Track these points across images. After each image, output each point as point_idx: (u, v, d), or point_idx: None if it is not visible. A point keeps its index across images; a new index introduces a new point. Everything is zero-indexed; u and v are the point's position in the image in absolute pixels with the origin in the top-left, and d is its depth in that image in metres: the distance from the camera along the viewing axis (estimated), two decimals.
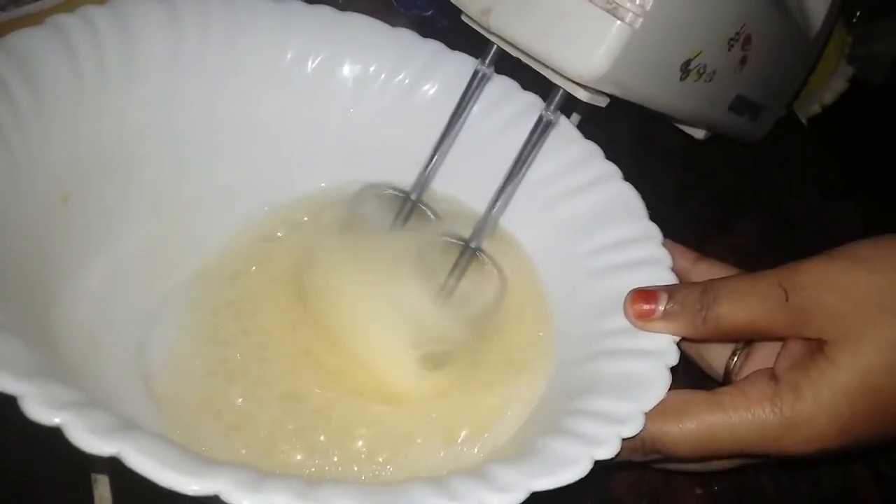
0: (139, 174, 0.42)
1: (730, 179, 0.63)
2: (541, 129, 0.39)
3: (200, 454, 0.28)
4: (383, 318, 0.40)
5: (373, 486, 0.29)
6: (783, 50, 0.49)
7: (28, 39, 0.38)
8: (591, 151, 0.44)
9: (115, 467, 0.26)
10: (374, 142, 0.47)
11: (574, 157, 0.44)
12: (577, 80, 0.35)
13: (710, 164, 0.63)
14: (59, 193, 0.38)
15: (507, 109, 0.46)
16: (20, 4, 0.50)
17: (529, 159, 0.39)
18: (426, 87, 0.47)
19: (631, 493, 0.45)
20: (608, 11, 0.33)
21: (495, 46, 0.40)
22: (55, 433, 0.26)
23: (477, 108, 0.46)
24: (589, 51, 0.34)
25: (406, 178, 0.46)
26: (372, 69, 0.47)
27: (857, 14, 0.79)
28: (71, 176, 0.39)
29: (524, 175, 0.40)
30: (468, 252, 0.41)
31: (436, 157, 0.43)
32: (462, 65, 0.46)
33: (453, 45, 0.45)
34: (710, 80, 0.41)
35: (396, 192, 0.44)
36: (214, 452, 0.36)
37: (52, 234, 0.38)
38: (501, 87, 0.46)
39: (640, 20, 0.33)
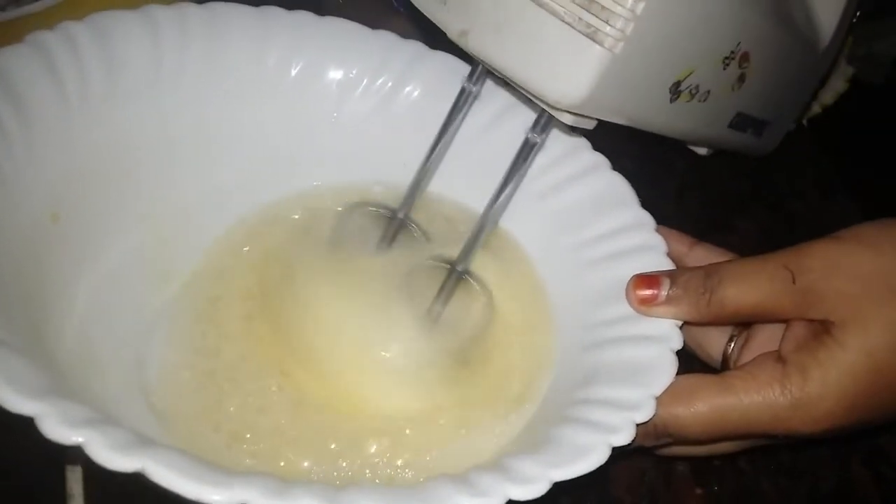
0: (127, 188, 0.42)
1: (730, 179, 0.63)
2: (526, 152, 0.38)
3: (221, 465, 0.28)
4: (368, 345, 0.40)
5: (395, 487, 0.29)
6: (787, 64, 0.48)
7: (10, 59, 0.37)
8: (577, 143, 0.44)
9: (87, 458, 0.26)
10: (359, 145, 0.47)
11: (562, 150, 0.44)
12: (556, 106, 0.34)
13: (710, 164, 0.63)
14: (49, 212, 0.38)
15: (495, 105, 0.46)
16: (20, 4, 0.49)
17: (516, 181, 0.39)
18: (409, 89, 0.47)
19: (631, 493, 0.45)
20: (587, 35, 0.32)
21: (481, 66, 0.39)
22: (29, 420, 0.26)
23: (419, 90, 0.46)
24: (567, 76, 0.33)
25: (392, 179, 0.46)
26: (354, 73, 0.47)
27: (857, 14, 0.80)
28: (59, 194, 0.38)
29: (512, 195, 0.40)
30: (454, 275, 0.40)
31: (424, 174, 0.42)
32: (444, 64, 0.46)
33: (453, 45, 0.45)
34: (705, 100, 0.40)
35: (383, 211, 0.44)
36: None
37: (44, 254, 0.37)
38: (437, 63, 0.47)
39: (621, 44, 0.32)
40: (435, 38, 0.40)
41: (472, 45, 0.35)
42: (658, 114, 0.38)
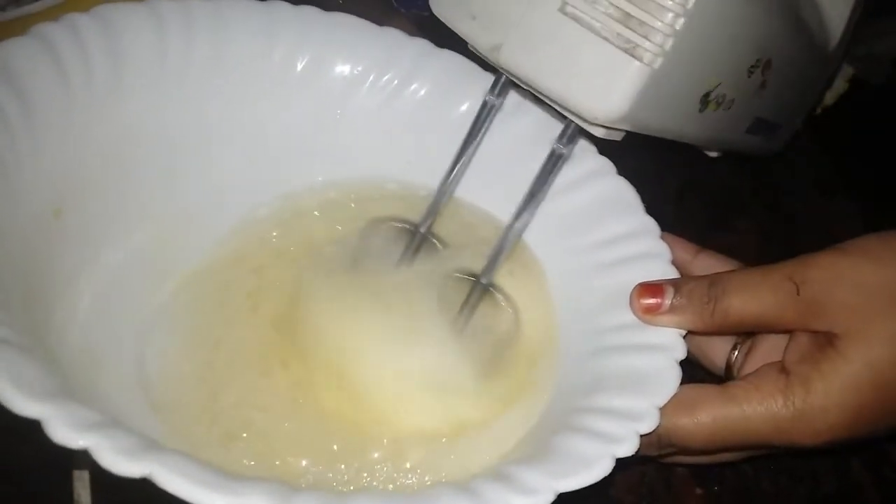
0: (130, 182, 0.42)
1: (730, 179, 0.63)
2: (553, 163, 0.38)
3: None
4: (390, 361, 0.39)
5: (400, 493, 0.29)
6: (803, 68, 0.48)
7: (14, 51, 0.37)
8: (583, 147, 0.44)
9: (94, 463, 0.26)
10: (364, 142, 0.47)
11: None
12: (594, 122, 0.34)
13: (710, 164, 0.63)
14: (52, 208, 0.38)
15: (527, 119, 0.46)
16: (20, 4, 0.49)
17: (541, 193, 0.39)
18: (415, 86, 0.46)
19: (631, 494, 0.45)
20: (626, 51, 0.32)
21: (504, 76, 0.39)
22: (34, 423, 0.26)
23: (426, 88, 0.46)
24: (607, 92, 0.32)
25: (397, 177, 0.46)
26: (360, 69, 0.46)
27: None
28: (63, 189, 0.38)
29: (537, 207, 0.39)
30: (479, 288, 0.40)
31: (447, 187, 0.42)
32: (450, 62, 0.46)
33: (454, 44, 0.45)
34: (730, 108, 0.40)
35: (404, 225, 0.43)
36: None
37: (47, 250, 0.37)
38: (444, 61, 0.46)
39: (660, 60, 0.32)
40: (439, 35, 0.39)
41: (505, 60, 0.35)
42: (687, 124, 0.38)
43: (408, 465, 0.37)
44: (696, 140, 0.42)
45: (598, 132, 0.35)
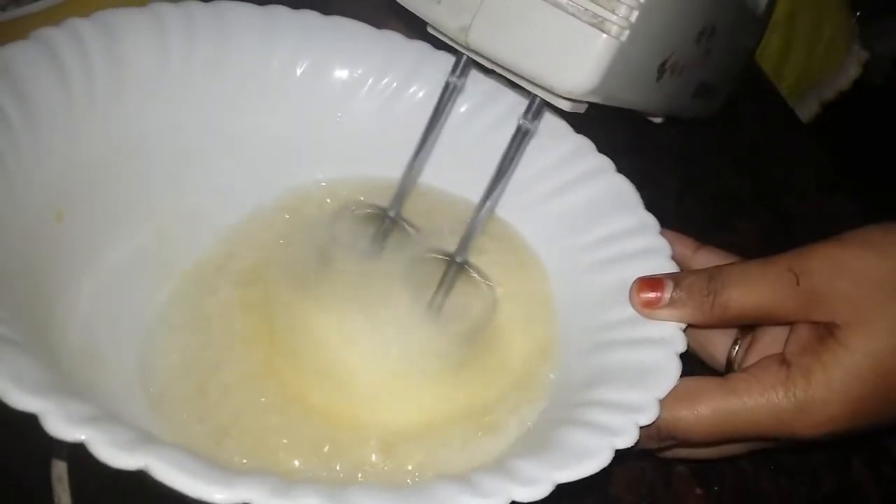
0: (131, 186, 0.42)
1: (729, 179, 0.63)
2: (520, 138, 0.38)
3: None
4: (371, 352, 0.39)
5: (399, 487, 0.29)
6: (738, 32, 0.49)
7: (16, 55, 0.37)
8: (582, 145, 0.44)
9: (74, 452, 0.26)
10: (363, 145, 0.47)
11: (566, 152, 0.44)
12: (567, 96, 0.35)
13: (709, 164, 0.63)
14: (54, 210, 0.38)
15: (497, 108, 0.46)
16: (21, 4, 0.49)
17: (510, 169, 0.39)
18: (414, 89, 0.47)
19: (631, 493, 0.45)
20: (594, 25, 0.32)
21: (465, 57, 0.39)
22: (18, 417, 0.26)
23: (465, 108, 0.46)
24: (578, 67, 0.33)
25: (395, 180, 0.46)
26: (359, 73, 0.47)
27: (857, 14, 0.80)
28: (65, 191, 0.38)
29: (506, 184, 0.40)
30: (454, 266, 0.40)
31: (412, 170, 0.42)
32: (448, 64, 0.46)
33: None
34: (681, 75, 0.41)
35: (374, 211, 0.43)
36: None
37: (48, 251, 0.37)
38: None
39: (627, 32, 0.32)
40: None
41: (473, 41, 0.35)
42: (647, 93, 0.39)
43: (403, 462, 0.37)
44: (652, 109, 0.43)
45: (565, 105, 0.36)
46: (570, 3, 0.33)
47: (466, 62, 0.39)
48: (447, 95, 0.41)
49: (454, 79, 0.40)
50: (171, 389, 0.38)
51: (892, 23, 0.81)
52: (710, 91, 0.50)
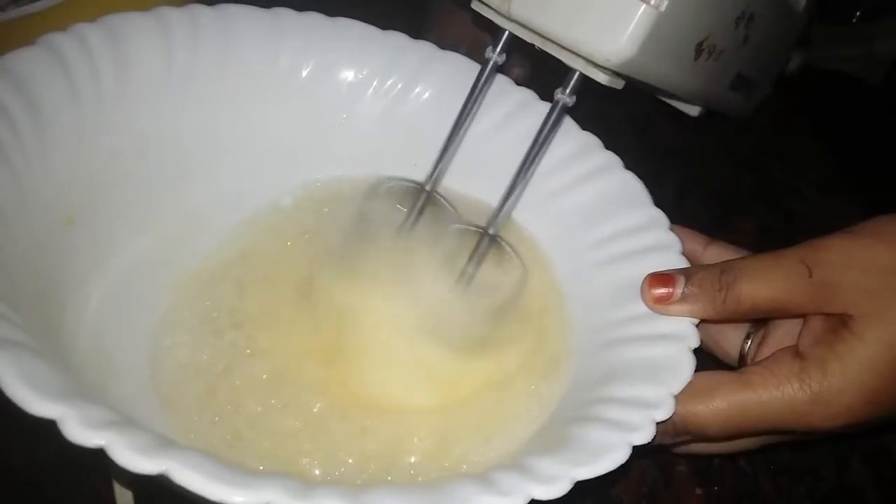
0: (139, 188, 0.42)
1: (730, 178, 0.63)
2: (558, 112, 0.39)
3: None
4: (398, 327, 0.40)
5: (417, 487, 0.29)
6: (777, 24, 0.49)
7: (24, 61, 0.37)
8: (590, 142, 0.44)
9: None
10: (369, 146, 0.47)
11: (574, 149, 0.44)
12: (605, 65, 0.35)
13: (709, 163, 0.63)
14: (64, 216, 0.38)
15: (504, 106, 0.46)
16: (20, 4, 0.49)
17: (546, 144, 0.39)
18: (419, 90, 0.47)
19: (631, 494, 0.45)
20: None
21: (507, 33, 0.40)
22: (53, 427, 0.26)
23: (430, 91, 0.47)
24: (617, 35, 0.34)
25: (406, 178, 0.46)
26: (364, 74, 0.47)
27: (858, 14, 0.80)
28: (74, 197, 0.38)
29: (541, 160, 0.40)
30: (486, 239, 0.41)
31: (450, 147, 0.42)
32: (454, 65, 0.46)
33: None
34: (718, 60, 0.41)
35: (411, 184, 0.43)
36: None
37: (58, 255, 0.37)
38: (496, 85, 0.46)
39: (665, 2, 0.33)
40: (441, 38, 0.40)
41: (516, 10, 0.36)
42: (682, 72, 0.39)
43: (414, 459, 0.37)
44: (688, 92, 0.43)
45: (602, 78, 0.37)
46: None
47: (508, 38, 0.40)
48: (487, 71, 0.41)
49: (494, 55, 0.41)
50: (181, 391, 0.38)
51: (893, 23, 0.81)
52: (748, 85, 0.50)
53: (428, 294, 0.40)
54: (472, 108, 0.42)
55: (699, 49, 0.38)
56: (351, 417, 0.38)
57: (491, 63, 0.41)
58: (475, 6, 0.39)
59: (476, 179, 0.46)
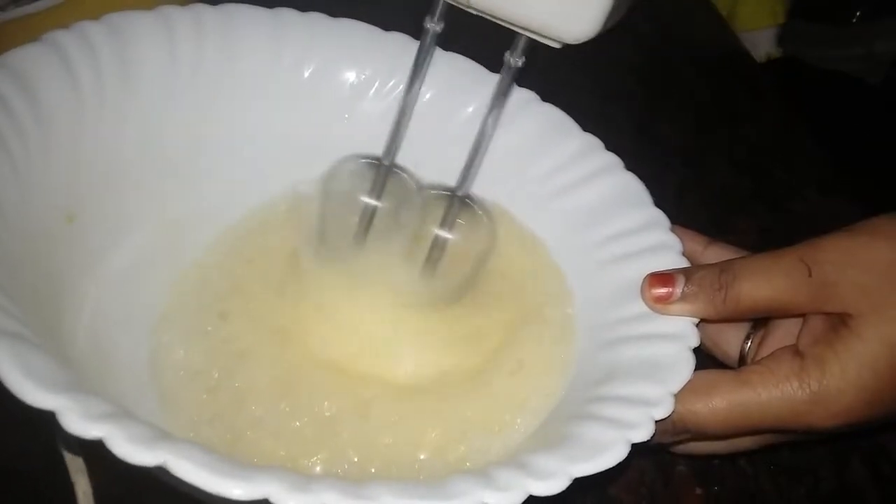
0: (140, 186, 0.42)
1: (729, 179, 0.63)
2: (510, 75, 0.39)
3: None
4: (377, 303, 0.41)
5: (416, 481, 0.29)
6: None
7: (27, 58, 0.37)
8: (591, 143, 0.44)
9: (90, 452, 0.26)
10: (372, 146, 0.47)
11: (575, 150, 0.44)
12: (573, 42, 0.36)
13: (709, 164, 0.63)
14: (65, 212, 0.38)
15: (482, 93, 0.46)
16: (20, 4, 0.49)
17: (502, 105, 0.40)
18: (421, 91, 0.47)
19: (630, 493, 0.45)
20: None
21: (442, 1, 0.38)
22: (40, 416, 0.26)
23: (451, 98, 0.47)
24: (585, 16, 0.34)
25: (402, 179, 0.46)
26: (366, 74, 0.47)
27: (858, 14, 0.81)
28: (76, 193, 0.39)
29: (498, 120, 0.40)
30: (456, 201, 0.41)
31: (402, 119, 0.42)
32: (454, 65, 0.47)
33: (459, 47, 0.45)
34: None
35: (369, 160, 0.43)
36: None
37: (59, 252, 0.38)
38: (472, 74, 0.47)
39: None
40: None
41: (477, 2, 0.36)
42: (614, 22, 0.39)
43: (422, 456, 0.37)
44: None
45: (555, 45, 0.37)
46: None
47: (444, 6, 0.39)
48: (427, 41, 0.40)
49: (433, 24, 0.39)
50: (180, 390, 0.38)
51: (893, 23, 0.82)
52: None
53: (407, 267, 0.41)
54: (417, 83, 0.41)
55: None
56: (356, 413, 0.38)
57: (430, 33, 0.40)
58: None
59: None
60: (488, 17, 0.37)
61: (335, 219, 0.43)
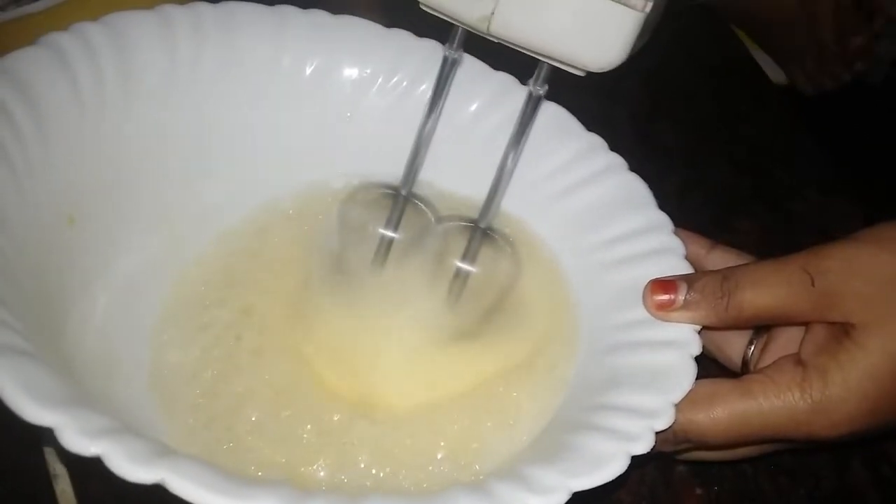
0: (142, 188, 0.42)
1: (729, 179, 0.63)
2: (532, 105, 0.38)
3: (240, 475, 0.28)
4: (396, 342, 0.40)
5: (412, 495, 0.29)
6: None
7: (26, 60, 0.37)
8: (595, 143, 0.44)
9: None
10: (373, 145, 0.47)
11: (579, 150, 0.44)
12: (598, 71, 0.35)
13: (709, 164, 0.63)
14: (66, 215, 0.38)
15: (483, 92, 0.46)
16: (20, 4, 0.49)
17: (525, 135, 0.39)
18: (424, 88, 0.46)
19: (631, 494, 0.45)
20: (620, 3, 0.33)
21: (461, 29, 0.38)
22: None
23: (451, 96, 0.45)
24: (609, 45, 0.34)
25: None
26: (368, 72, 0.46)
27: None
28: (75, 196, 0.38)
29: (522, 151, 0.40)
30: (478, 233, 0.40)
31: (420, 149, 0.41)
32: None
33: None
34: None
35: (386, 190, 0.43)
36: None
37: (61, 257, 0.37)
38: (472, 71, 0.46)
39: (650, 4, 0.33)
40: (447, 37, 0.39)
41: (497, 29, 0.35)
42: (636, 49, 0.38)
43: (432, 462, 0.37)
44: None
45: (579, 73, 0.36)
46: None
47: (462, 34, 0.38)
48: (446, 70, 0.40)
49: (451, 52, 0.39)
50: (179, 392, 0.38)
51: (892, 23, 0.81)
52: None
53: (427, 297, 0.40)
54: (438, 107, 0.41)
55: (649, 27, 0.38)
56: (357, 422, 0.38)
57: (449, 61, 0.39)
58: (425, 8, 0.37)
59: (464, 175, 0.46)
60: (509, 45, 0.36)
61: (351, 247, 0.42)
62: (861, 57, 0.75)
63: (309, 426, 0.38)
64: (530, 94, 0.38)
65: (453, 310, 0.41)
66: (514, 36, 0.35)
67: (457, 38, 0.39)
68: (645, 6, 0.33)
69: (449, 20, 0.37)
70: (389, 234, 0.42)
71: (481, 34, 0.36)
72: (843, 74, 0.76)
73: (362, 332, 0.40)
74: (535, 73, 0.37)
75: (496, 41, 0.37)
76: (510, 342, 0.41)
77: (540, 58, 0.36)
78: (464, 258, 0.40)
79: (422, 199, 0.43)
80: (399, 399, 0.39)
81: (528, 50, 0.36)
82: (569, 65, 0.35)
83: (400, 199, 0.42)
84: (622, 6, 0.33)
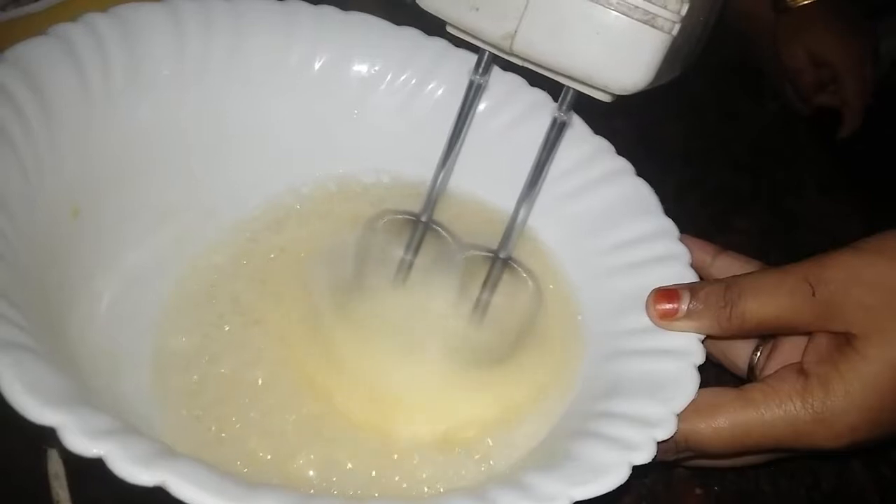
0: (148, 181, 0.42)
1: (729, 178, 0.63)
2: (556, 131, 0.38)
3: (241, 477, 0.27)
4: (411, 363, 0.40)
5: (411, 501, 0.29)
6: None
7: (34, 51, 0.37)
8: (601, 147, 0.44)
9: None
10: (381, 142, 0.47)
11: (585, 154, 0.44)
12: (622, 93, 0.34)
13: (709, 164, 0.63)
14: (70, 208, 0.38)
15: (517, 106, 0.46)
16: (20, 4, 0.49)
17: (548, 162, 0.39)
18: (432, 86, 0.46)
19: (631, 494, 0.45)
20: (646, 23, 0.32)
21: (488, 53, 0.38)
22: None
23: (485, 106, 0.46)
24: (634, 65, 0.33)
25: (413, 177, 0.46)
26: (377, 69, 0.46)
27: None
28: (81, 189, 0.38)
29: (545, 178, 0.39)
30: (498, 263, 0.40)
31: (442, 175, 0.41)
32: (467, 62, 0.45)
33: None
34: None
35: (406, 217, 0.42)
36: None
37: (65, 250, 0.37)
38: (509, 85, 0.46)
39: (677, 26, 0.32)
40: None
41: (519, 48, 0.35)
42: (670, 75, 0.38)
43: (425, 476, 0.37)
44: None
45: (606, 98, 0.36)
46: (621, 1, 0.32)
47: (489, 59, 0.38)
48: (471, 94, 0.40)
49: (477, 77, 0.39)
50: (189, 393, 0.38)
51: (893, 23, 0.81)
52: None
53: (444, 323, 0.40)
54: (462, 130, 0.40)
55: (678, 51, 0.37)
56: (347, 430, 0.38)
57: (475, 85, 0.39)
58: (450, 30, 0.37)
59: (486, 182, 0.46)
60: (533, 68, 0.36)
61: (370, 270, 0.42)
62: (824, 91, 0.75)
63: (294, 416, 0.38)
64: (555, 120, 0.38)
65: (473, 337, 0.40)
66: (536, 55, 0.35)
67: (483, 62, 0.39)
68: (672, 28, 0.32)
69: (472, 41, 0.37)
70: (409, 258, 0.42)
71: (504, 54, 0.36)
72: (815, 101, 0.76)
73: (378, 354, 0.40)
74: (560, 98, 0.37)
75: (520, 63, 0.37)
76: (521, 378, 0.41)
77: (563, 81, 0.36)
78: (484, 288, 0.40)
79: (442, 226, 0.43)
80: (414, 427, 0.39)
81: (550, 71, 0.35)
82: (593, 87, 0.35)
83: (420, 225, 0.42)
84: (649, 27, 0.32)
